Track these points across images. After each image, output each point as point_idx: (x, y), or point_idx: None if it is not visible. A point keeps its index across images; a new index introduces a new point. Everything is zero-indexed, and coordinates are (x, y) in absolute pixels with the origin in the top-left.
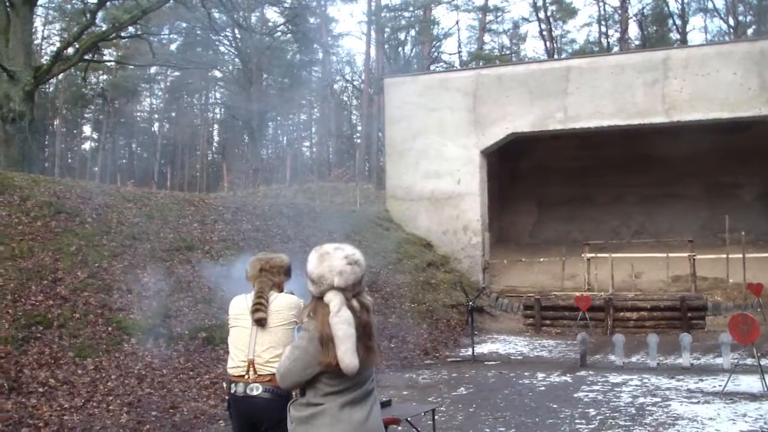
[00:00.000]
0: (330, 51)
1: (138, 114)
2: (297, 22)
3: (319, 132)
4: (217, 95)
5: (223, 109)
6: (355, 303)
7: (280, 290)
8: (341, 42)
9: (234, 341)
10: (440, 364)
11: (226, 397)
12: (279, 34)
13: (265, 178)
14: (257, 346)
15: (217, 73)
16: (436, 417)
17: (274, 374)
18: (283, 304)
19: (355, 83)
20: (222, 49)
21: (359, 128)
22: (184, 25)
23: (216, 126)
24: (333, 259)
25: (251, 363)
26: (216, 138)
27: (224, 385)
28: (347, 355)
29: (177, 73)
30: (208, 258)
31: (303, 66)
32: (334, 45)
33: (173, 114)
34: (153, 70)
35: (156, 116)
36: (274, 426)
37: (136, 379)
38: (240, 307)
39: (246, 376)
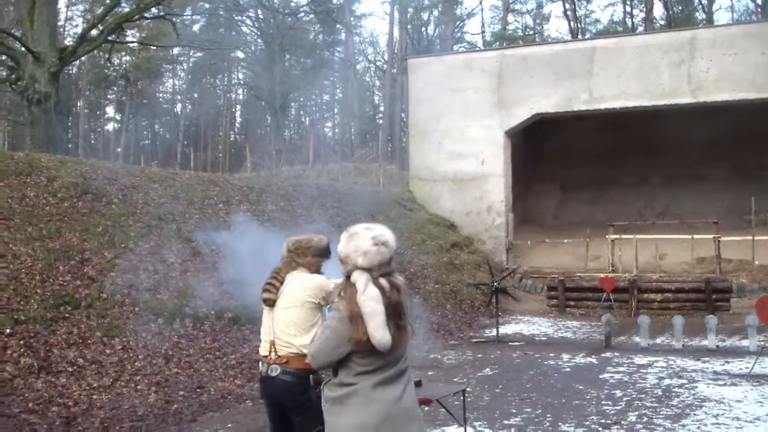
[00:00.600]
0: (353, 31)
1: (161, 95)
2: (320, 2)
3: (342, 113)
4: (240, 76)
5: (245, 90)
6: (384, 282)
7: (313, 271)
8: (364, 22)
9: (262, 321)
10: (465, 345)
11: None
12: (302, 14)
13: (288, 159)
14: (276, 326)
15: (240, 54)
16: (462, 398)
17: (291, 355)
18: (298, 285)
19: (378, 64)
20: (245, 29)
21: (382, 109)
22: (207, 6)
23: (238, 107)
24: (360, 239)
25: (273, 343)
26: (238, 119)
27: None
28: (378, 331)
29: (199, 54)
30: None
31: (326, 46)
32: (357, 25)
33: (195, 95)
34: (176, 51)
35: (179, 97)
36: (294, 408)
37: (163, 359)
38: None
39: (269, 357)
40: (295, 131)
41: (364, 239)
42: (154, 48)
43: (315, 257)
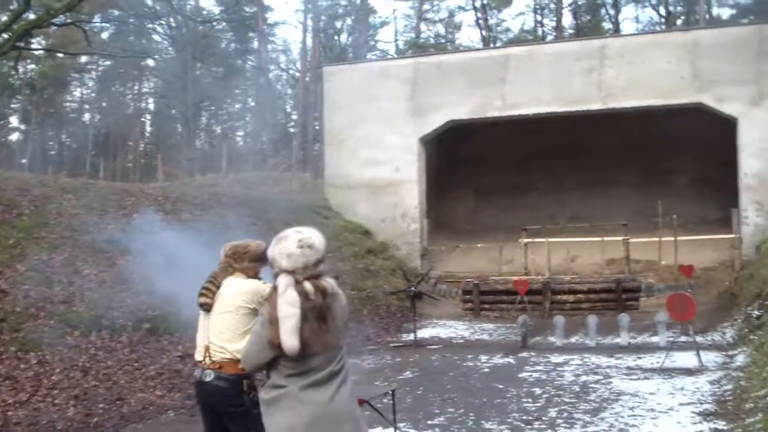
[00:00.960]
0: (268, 39)
1: (68, 104)
2: (234, 10)
3: (254, 121)
4: (150, 85)
5: (155, 99)
6: (308, 285)
7: (250, 276)
8: (276, 30)
9: (198, 326)
10: (383, 350)
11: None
12: (216, 23)
13: (201, 168)
14: (211, 332)
15: (150, 62)
16: (387, 400)
17: (225, 360)
18: (233, 290)
19: (290, 72)
20: (156, 37)
21: (294, 117)
22: (117, 13)
23: (148, 116)
24: (287, 242)
25: (207, 348)
26: (148, 128)
27: None
28: (285, 335)
29: (108, 63)
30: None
31: (238, 55)
32: (270, 33)
33: (104, 104)
34: (84, 59)
35: (87, 106)
36: (228, 413)
37: (80, 372)
38: None
39: (203, 362)
40: (206, 140)
41: (290, 242)
42: (61, 56)
43: (252, 262)
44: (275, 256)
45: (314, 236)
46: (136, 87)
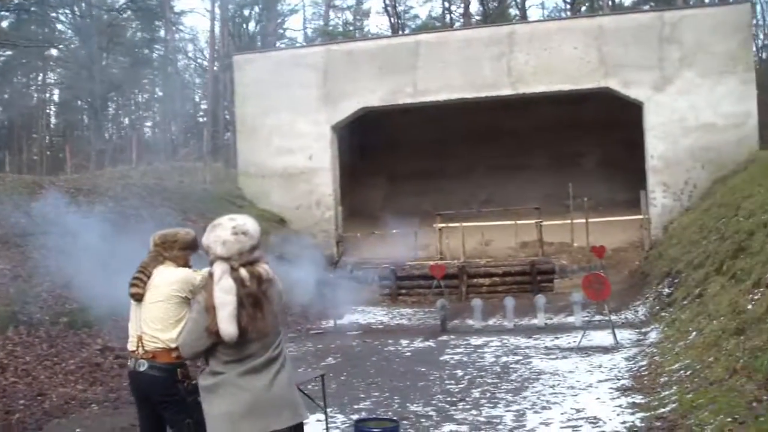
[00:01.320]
0: (175, 28)
1: None
2: None
3: (163, 111)
4: (54, 75)
5: (61, 90)
6: (243, 272)
7: (180, 265)
8: (184, 19)
9: (130, 317)
10: (303, 337)
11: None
12: (125, 11)
13: (111, 160)
14: (143, 321)
15: (54, 52)
16: (312, 386)
17: (158, 350)
18: (163, 279)
19: (199, 61)
20: (60, 27)
21: (203, 107)
22: (16, 1)
23: (54, 107)
24: (221, 230)
25: (140, 338)
26: (54, 120)
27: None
28: (223, 323)
29: (9, 53)
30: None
31: (144, 44)
32: (177, 22)
33: (5, 96)
34: None
35: None
36: (162, 402)
37: None
38: None
39: (136, 351)
40: (115, 131)
41: (224, 229)
42: None
43: (181, 251)
44: (210, 244)
45: (248, 223)
46: (40, 77)
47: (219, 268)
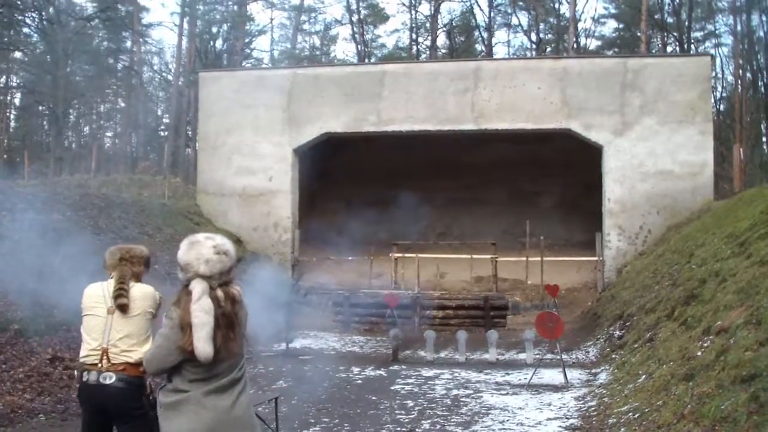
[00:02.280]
0: (144, 39)
1: None
2: (110, 8)
3: (124, 123)
4: (17, 79)
5: (22, 94)
6: (219, 293)
7: (138, 281)
8: (151, 32)
9: (88, 329)
10: (255, 359)
11: (77, 385)
12: (93, 20)
13: (70, 168)
14: (113, 334)
15: (19, 55)
16: (263, 408)
17: (128, 363)
18: (140, 294)
19: (164, 74)
20: (26, 30)
21: (165, 120)
22: None
23: (14, 111)
24: (202, 248)
25: (105, 351)
26: (13, 124)
27: (75, 372)
28: (200, 342)
29: None
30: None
31: (110, 54)
32: (145, 34)
33: None
34: None
35: None
36: (124, 414)
37: None
38: (96, 295)
39: (99, 365)
40: (75, 140)
41: (206, 247)
42: None
43: (144, 267)
44: (191, 261)
45: (227, 243)
46: (2, 80)
47: (199, 286)
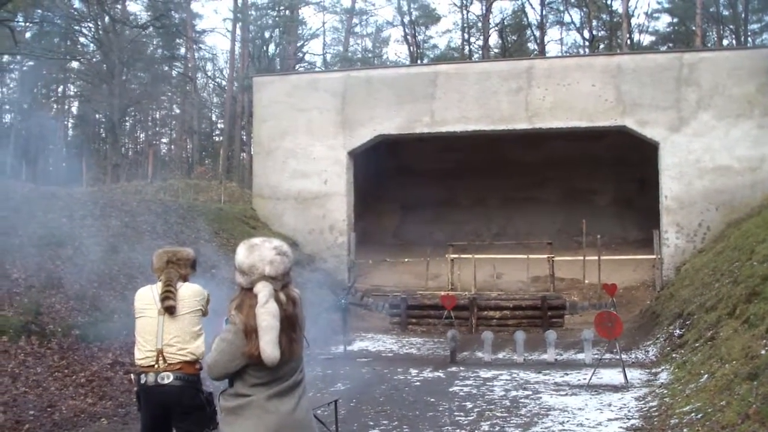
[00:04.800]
0: (198, 46)
1: None
2: (165, 16)
3: (180, 129)
4: (74, 88)
5: (80, 103)
6: (282, 296)
7: (185, 282)
8: (204, 38)
9: (141, 332)
10: (313, 362)
11: (135, 388)
12: (148, 28)
13: (126, 174)
14: (165, 335)
15: (76, 65)
16: (322, 410)
17: (184, 362)
18: (188, 292)
19: (218, 80)
20: (83, 40)
21: (220, 126)
22: (41, 12)
23: (71, 120)
24: (263, 250)
25: (160, 352)
26: (71, 132)
27: (132, 377)
28: (269, 346)
29: (31, 63)
30: (78, 254)
31: (164, 61)
32: (198, 41)
33: (25, 106)
34: (6, 58)
35: (7, 107)
36: (186, 413)
37: (9, 377)
38: (146, 297)
39: (156, 366)
40: (131, 146)
41: (266, 249)
42: None
43: (191, 269)
44: (255, 263)
45: (284, 245)
46: (60, 89)
47: (266, 289)
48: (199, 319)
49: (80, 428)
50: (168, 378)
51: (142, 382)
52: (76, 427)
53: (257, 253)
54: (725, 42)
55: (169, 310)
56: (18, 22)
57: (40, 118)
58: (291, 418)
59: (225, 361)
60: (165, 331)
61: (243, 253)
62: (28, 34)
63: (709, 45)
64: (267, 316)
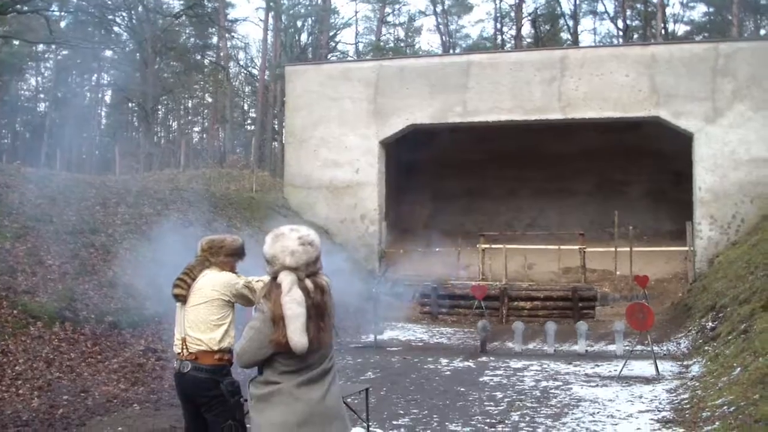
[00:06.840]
0: (231, 35)
1: (23, 93)
2: (198, 4)
3: (212, 118)
4: (108, 77)
5: (112, 91)
6: (308, 283)
7: (226, 270)
8: (237, 27)
9: (176, 319)
10: (343, 350)
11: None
12: (181, 17)
13: (159, 163)
14: (185, 324)
15: (109, 54)
16: (352, 398)
17: (200, 351)
18: (207, 282)
19: (249, 69)
20: (116, 29)
21: (252, 115)
22: (75, 1)
23: (104, 108)
24: (286, 240)
25: (184, 341)
26: (104, 120)
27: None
28: (296, 334)
29: (66, 52)
30: (109, 241)
31: (197, 50)
32: (231, 30)
33: (59, 94)
34: (41, 47)
35: (42, 95)
36: (205, 404)
37: (44, 362)
38: None
39: (181, 353)
40: (163, 135)
41: (290, 239)
42: (17, 43)
43: (227, 257)
44: (276, 254)
45: (312, 233)
46: (94, 78)
47: (288, 278)
48: (219, 308)
49: (113, 413)
50: (187, 367)
51: (175, 368)
52: (108, 412)
53: (280, 243)
54: (762, 32)
55: (177, 298)
56: (53, 11)
57: (75, 107)
58: (320, 405)
59: (254, 348)
60: (185, 320)
61: (268, 243)
62: (62, 24)
63: (745, 35)
64: (292, 304)
